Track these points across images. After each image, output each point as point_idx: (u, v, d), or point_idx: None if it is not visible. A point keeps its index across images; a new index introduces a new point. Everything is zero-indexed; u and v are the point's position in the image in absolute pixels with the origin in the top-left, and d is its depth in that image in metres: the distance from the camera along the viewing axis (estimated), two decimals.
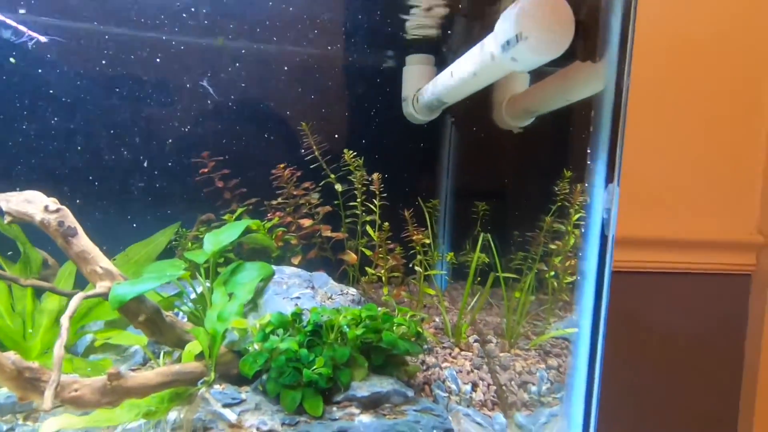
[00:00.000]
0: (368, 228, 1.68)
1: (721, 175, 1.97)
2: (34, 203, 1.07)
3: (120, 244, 1.66)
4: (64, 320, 0.90)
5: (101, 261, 1.09)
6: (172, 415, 1.11)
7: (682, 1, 1.86)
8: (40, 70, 1.67)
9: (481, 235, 1.59)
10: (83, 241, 1.08)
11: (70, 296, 1.57)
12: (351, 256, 1.72)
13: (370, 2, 1.76)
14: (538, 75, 1.79)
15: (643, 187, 1.99)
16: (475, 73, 1.10)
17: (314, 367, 1.08)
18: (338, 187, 1.73)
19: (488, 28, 1.15)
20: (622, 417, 1.99)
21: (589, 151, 0.91)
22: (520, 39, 0.85)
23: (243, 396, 1.10)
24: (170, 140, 1.83)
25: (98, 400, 0.93)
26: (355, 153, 1.67)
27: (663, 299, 2.02)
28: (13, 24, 1.50)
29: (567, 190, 1.69)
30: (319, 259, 1.74)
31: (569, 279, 1.71)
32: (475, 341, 1.55)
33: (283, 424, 1.06)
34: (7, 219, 1.08)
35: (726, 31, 1.87)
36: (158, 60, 1.74)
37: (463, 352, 1.50)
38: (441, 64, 1.80)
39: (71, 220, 1.08)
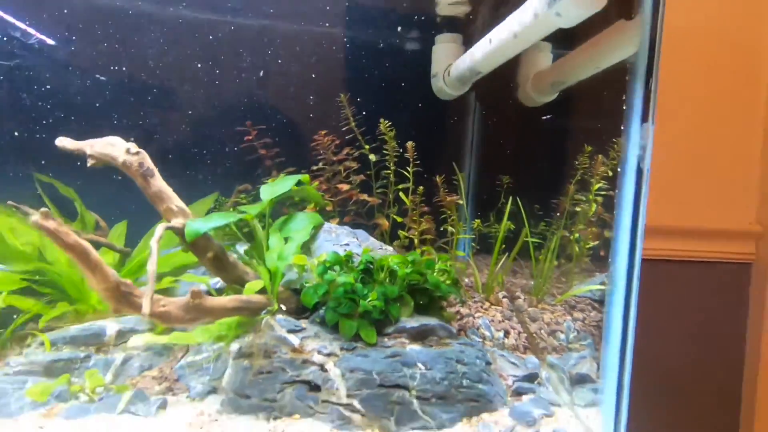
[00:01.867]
0: (401, 194, 1.79)
1: (720, 167, 2.03)
2: (116, 146, 1.17)
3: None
4: (154, 243, 1.00)
5: (175, 200, 1.19)
6: (240, 342, 1.20)
7: None
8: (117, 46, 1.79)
9: (509, 201, 1.70)
10: (159, 182, 1.18)
11: (123, 252, 1.69)
12: (384, 222, 1.82)
13: None
14: (558, 57, 1.91)
15: (669, 179, 2.05)
16: (516, 34, 1.22)
17: (369, 299, 1.18)
18: (372, 156, 1.83)
19: (514, 7, 1.27)
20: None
21: (624, 97, 1.02)
22: None
23: (303, 325, 1.20)
24: (210, 111, 1.94)
25: (182, 316, 1.02)
26: (389, 124, 1.78)
27: (665, 286, 2.09)
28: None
29: (587, 164, 1.80)
30: (354, 224, 1.84)
31: (590, 244, 1.81)
32: (504, 297, 1.65)
33: (341, 348, 1.15)
34: (90, 162, 1.18)
35: (724, 27, 1.97)
36: (208, 39, 1.86)
37: (493, 306, 1.60)
38: (467, 43, 1.92)
39: (149, 163, 1.18)
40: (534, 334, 1.50)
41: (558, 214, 1.83)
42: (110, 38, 1.84)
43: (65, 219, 1.63)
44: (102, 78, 1.84)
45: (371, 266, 1.25)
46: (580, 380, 1.30)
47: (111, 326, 1.36)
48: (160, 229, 1.07)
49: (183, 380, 1.28)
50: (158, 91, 1.91)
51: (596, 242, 1.80)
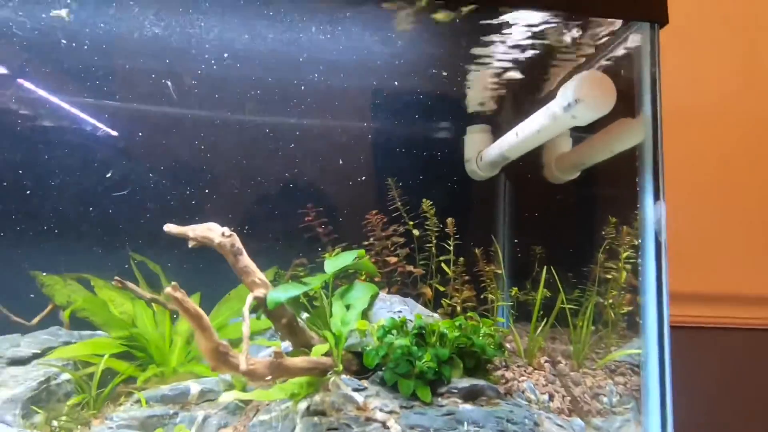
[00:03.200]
0: (443, 265, 1.98)
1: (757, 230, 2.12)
2: (213, 231, 1.45)
3: (228, 286, 2.01)
4: (246, 311, 1.22)
5: (258, 274, 1.42)
6: (308, 401, 1.36)
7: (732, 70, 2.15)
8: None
9: (545, 269, 1.85)
10: (246, 259, 1.43)
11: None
12: (428, 291, 2.00)
13: (438, 85, 2.23)
14: (576, 139, 2.16)
15: (691, 243, 2.16)
16: (539, 130, 1.47)
17: (424, 360, 1.33)
18: (415, 232, 2.06)
19: (534, 102, 1.54)
20: None
21: (637, 180, 1.22)
22: (578, 102, 1.21)
23: (365, 385, 1.35)
24: (275, 196, 2.26)
25: (266, 373, 1.21)
26: (431, 203, 2.02)
27: (714, 354, 2.09)
28: None
29: (613, 234, 1.95)
30: (401, 293, 2.02)
31: (624, 309, 1.91)
32: (546, 362, 1.74)
33: (401, 407, 1.29)
34: (191, 243, 1.46)
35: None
36: (273, 137, 2.24)
37: (536, 371, 1.69)
38: (495, 131, 2.21)
39: (239, 243, 1.44)
40: (578, 398, 1.57)
41: (590, 281, 1.95)
42: (187, 136, 2.23)
43: (153, 291, 1.90)
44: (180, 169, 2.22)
45: (423, 331, 1.42)
46: None
47: (194, 387, 1.55)
48: (249, 298, 1.29)
49: None
50: (232, 180, 2.27)
51: (630, 308, 1.89)
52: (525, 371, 1.68)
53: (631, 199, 2.04)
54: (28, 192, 2.09)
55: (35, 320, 1.81)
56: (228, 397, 1.29)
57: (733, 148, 2.20)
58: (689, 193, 2.18)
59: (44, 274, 1.88)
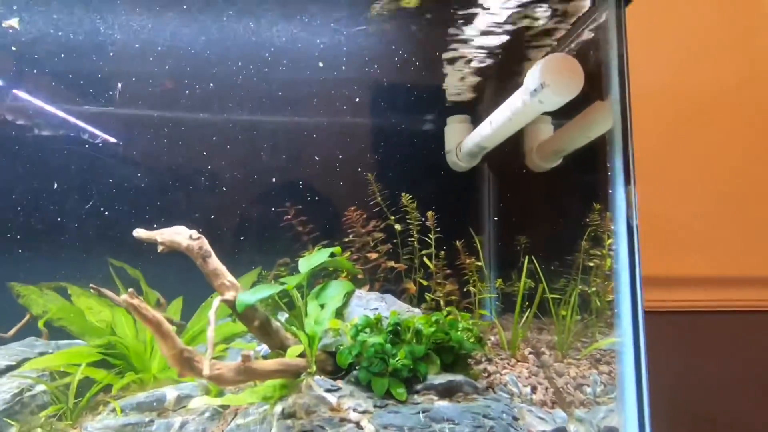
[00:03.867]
0: (425, 259, 1.95)
1: (752, 214, 2.08)
2: (181, 234, 1.42)
3: (211, 290, 1.98)
4: (212, 314, 1.20)
5: (228, 276, 1.39)
6: (282, 404, 1.33)
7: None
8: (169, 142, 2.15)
9: (527, 259, 1.82)
10: (215, 262, 1.40)
11: (179, 325, 1.89)
12: (411, 286, 1.97)
13: (417, 78, 2.18)
14: (557, 126, 2.12)
15: (679, 227, 2.14)
16: (510, 118, 1.43)
17: (398, 358, 1.30)
18: (397, 226, 2.03)
19: (512, 89, 1.50)
20: None
21: (608, 164, 1.19)
22: (545, 86, 1.18)
23: (339, 385, 1.32)
24: (253, 195, 2.23)
25: (234, 378, 1.18)
26: (410, 197, 1.99)
27: (701, 338, 2.07)
28: None
29: (597, 221, 1.92)
30: (384, 290, 1.99)
31: (610, 297, 1.87)
32: (530, 353, 1.71)
33: (375, 406, 1.26)
34: (160, 248, 1.43)
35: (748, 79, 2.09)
36: (251, 133, 2.20)
37: (519, 363, 1.67)
38: (474, 121, 2.17)
39: (207, 246, 1.41)
40: (561, 389, 1.54)
41: (574, 269, 1.92)
42: (164, 140, 2.20)
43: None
44: (158, 173, 2.19)
45: (399, 327, 1.39)
46: None
47: (170, 392, 1.52)
48: (216, 301, 1.26)
49: None
50: (208, 180, 2.24)
51: (615, 295, 1.86)
52: (508, 363, 1.65)
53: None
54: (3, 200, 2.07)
55: (11, 332, 1.79)
56: (198, 402, 1.27)
57: (726, 135, 2.15)
58: (682, 178, 2.14)
59: (20, 284, 1.85)
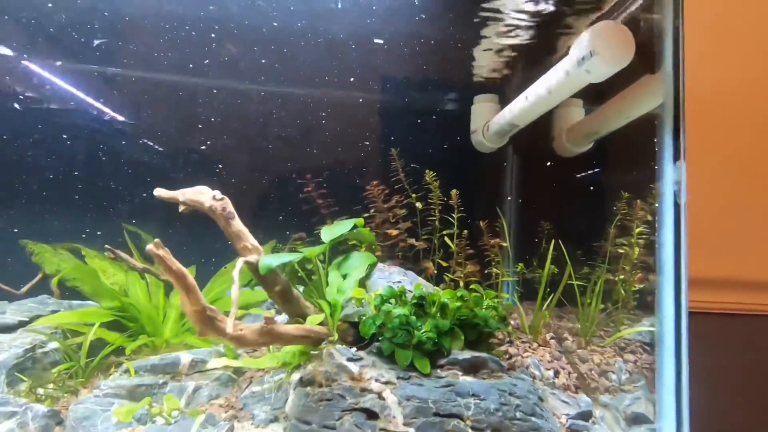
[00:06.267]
0: (446, 239, 1.90)
1: None
2: (204, 194, 1.37)
3: (224, 261, 1.95)
4: (235, 274, 1.16)
5: (251, 239, 1.35)
6: (300, 372, 1.30)
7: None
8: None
9: (552, 244, 1.76)
10: (238, 224, 1.36)
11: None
12: (430, 266, 1.92)
13: (446, 55, 2.12)
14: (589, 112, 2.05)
15: (713, 230, 2.04)
16: (550, 90, 1.37)
17: (423, 330, 1.26)
18: (418, 204, 1.98)
19: (548, 67, 1.44)
20: None
21: (656, 140, 1.13)
22: (594, 54, 1.12)
23: (361, 355, 1.28)
24: (274, 168, 2.19)
25: (255, 339, 1.14)
26: (434, 174, 1.93)
27: (737, 340, 2.00)
28: None
29: (626, 209, 1.86)
30: (402, 268, 1.94)
31: (635, 287, 1.82)
32: (552, 338, 1.67)
33: (398, 378, 1.22)
34: (181, 208, 1.39)
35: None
36: (277, 107, 2.16)
37: (541, 347, 1.62)
38: (503, 102, 2.10)
39: (231, 207, 1.37)
40: (584, 375, 1.50)
41: (600, 258, 1.86)
42: (190, 112, 2.16)
43: (144, 261, 1.84)
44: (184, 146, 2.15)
45: (423, 301, 1.34)
46: (635, 420, 1.28)
47: (185, 357, 1.49)
48: (240, 262, 1.22)
49: (247, 408, 1.37)
50: (229, 151, 2.19)
51: (641, 285, 1.80)
52: (530, 347, 1.61)
53: (645, 173, 1.93)
54: (22, 163, 2.04)
55: (24, 289, 1.76)
56: (216, 363, 1.24)
57: (756, 135, 2.07)
58: (711, 179, 2.06)
59: (34, 242, 1.82)
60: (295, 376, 1.31)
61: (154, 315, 1.73)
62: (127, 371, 1.44)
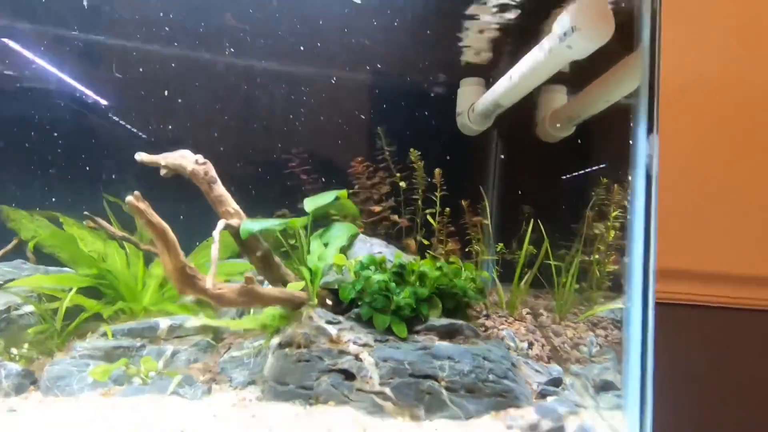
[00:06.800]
0: (429, 217, 1.92)
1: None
2: (186, 158, 1.37)
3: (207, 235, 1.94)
4: (216, 233, 1.16)
5: (232, 203, 1.36)
6: (280, 337, 1.31)
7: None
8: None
9: (531, 223, 1.80)
10: (220, 188, 1.36)
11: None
12: (411, 243, 1.95)
13: (431, 37, 2.14)
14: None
15: (683, 220, 2.10)
16: (534, 68, 1.40)
17: (402, 296, 1.28)
18: (402, 184, 2.00)
19: (531, 46, 1.46)
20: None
21: (631, 115, 1.17)
22: (575, 30, 1.15)
23: (340, 319, 1.30)
24: (259, 143, 2.18)
25: (235, 299, 1.15)
26: (419, 153, 1.96)
27: (712, 334, 2.05)
28: None
29: (603, 194, 1.91)
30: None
31: (610, 268, 1.88)
32: (528, 314, 1.71)
33: (375, 341, 1.25)
34: (163, 171, 1.38)
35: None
36: (266, 85, 2.15)
37: (517, 321, 1.66)
38: (489, 85, 2.13)
39: (213, 172, 1.37)
40: (557, 347, 1.55)
41: (577, 240, 1.91)
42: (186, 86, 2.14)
43: (127, 232, 1.82)
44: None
45: (403, 270, 1.37)
46: (604, 387, 1.33)
47: (163, 322, 1.49)
48: (220, 223, 1.23)
49: (225, 373, 1.37)
50: (217, 124, 2.18)
51: (615, 266, 1.86)
52: (506, 321, 1.65)
53: (622, 157, 1.99)
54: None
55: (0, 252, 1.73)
56: (195, 322, 1.24)
57: (732, 122, 2.13)
58: (684, 168, 2.12)
59: (10, 208, 1.79)
60: (275, 341, 1.32)
61: (132, 283, 1.72)
62: (104, 335, 1.43)
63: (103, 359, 1.36)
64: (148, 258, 1.83)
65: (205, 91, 2.14)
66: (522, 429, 1.11)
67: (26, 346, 1.39)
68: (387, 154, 2.01)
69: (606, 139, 2.09)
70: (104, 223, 1.75)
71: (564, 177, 2.16)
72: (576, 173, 2.16)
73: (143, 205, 1.02)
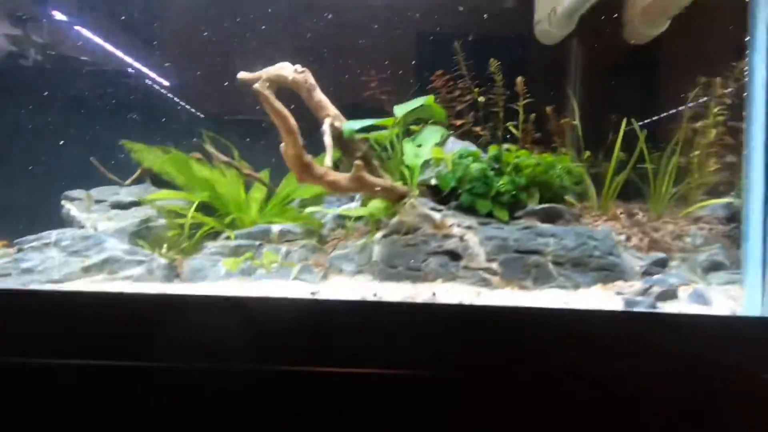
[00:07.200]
0: (511, 127, 1.92)
1: None
2: (286, 69, 1.47)
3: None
4: (326, 127, 1.26)
5: (333, 108, 1.45)
6: (384, 230, 1.41)
7: None
8: None
9: (624, 122, 1.74)
10: (320, 94, 1.45)
11: (270, 188, 2.01)
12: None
13: None
14: None
15: None
16: None
17: (501, 182, 1.32)
18: (481, 99, 1.99)
19: None
20: None
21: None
22: None
23: (441, 208, 1.37)
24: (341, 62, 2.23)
25: (347, 186, 1.26)
26: (498, 63, 1.93)
27: None
28: None
29: (701, 93, 1.79)
30: None
31: (711, 168, 1.78)
32: (621, 213, 1.69)
33: (478, 223, 1.31)
34: (265, 85, 1.49)
35: None
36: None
37: (611, 221, 1.65)
38: None
39: (312, 79, 1.46)
40: (657, 240, 1.52)
41: (673, 140, 1.82)
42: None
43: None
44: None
45: (500, 161, 1.40)
46: (713, 267, 1.31)
47: (275, 227, 1.65)
48: (327, 122, 1.32)
49: (335, 266, 1.51)
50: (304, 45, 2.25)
51: (717, 166, 1.76)
52: (599, 218, 1.64)
53: (724, 53, 1.83)
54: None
55: (128, 181, 1.98)
56: (314, 208, 1.36)
57: None
58: None
59: (131, 142, 2.02)
60: (378, 235, 1.43)
61: (241, 202, 1.91)
62: (227, 238, 1.62)
63: (231, 255, 1.54)
64: (248, 184, 2.01)
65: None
66: (633, 295, 1.13)
67: (165, 246, 1.62)
68: (464, 68, 2.00)
69: (704, 32, 1.93)
70: (213, 149, 1.93)
71: (655, 78, 2.04)
72: (668, 74, 2.03)
73: (268, 92, 1.13)
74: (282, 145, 1.18)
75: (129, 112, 2.23)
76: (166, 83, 2.26)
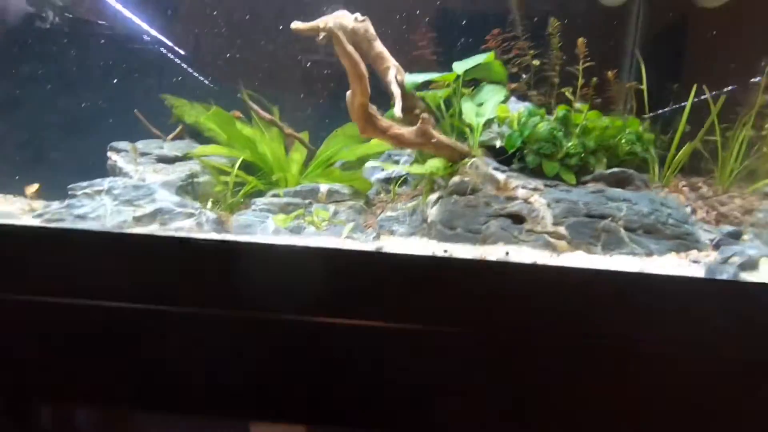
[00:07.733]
0: (567, 93, 1.82)
1: None
2: (346, 16, 1.40)
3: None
4: (391, 77, 1.19)
5: (392, 60, 1.38)
6: (438, 192, 1.36)
7: None
8: None
9: (693, 90, 1.63)
10: (380, 45, 1.38)
11: (310, 149, 1.97)
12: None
13: None
14: None
15: None
16: None
17: (570, 143, 1.25)
18: (535, 62, 1.89)
19: None
20: None
21: None
22: None
23: (505, 168, 1.31)
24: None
25: (412, 140, 1.20)
26: (558, 23, 1.82)
27: None
28: None
29: None
30: None
31: None
32: (684, 186, 1.60)
33: (545, 185, 1.25)
34: (321, 35, 1.42)
35: None
36: None
37: (674, 193, 1.57)
38: None
39: (372, 29, 1.39)
40: (725, 214, 1.45)
41: (745, 111, 1.71)
42: None
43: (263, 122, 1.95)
44: None
45: (568, 121, 1.32)
46: None
47: (323, 186, 1.62)
48: (391, 72, 1.26)
49: (385, 228, 1.47)
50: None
51: None
52: (662, 191, 1.56)
53: None
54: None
55: (170, 137, 1.95)
56: (373, 163, 1.32)
57: None
58: None
59: (173, 97, 1.98)
60: (434, 197, 1.38)
61: (283, 160, 1.87)
62: (275, 195, 1.59)
63: (279, 212, 1.52)
64: (287, 145, 1.97)
65: None
66: (710, 263, 1.07)
67: (211, 201, 1.60)
68: (521, 29, 1.89)
69: None
70: (255, 106, 1.89)
71: (723, 47, 1.90)
72: (738, 41, 1.89)
73: (340, 33, 1.06)
74: (348, 93, 1.12)
75: (163, 73, 2.19)
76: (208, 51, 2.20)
